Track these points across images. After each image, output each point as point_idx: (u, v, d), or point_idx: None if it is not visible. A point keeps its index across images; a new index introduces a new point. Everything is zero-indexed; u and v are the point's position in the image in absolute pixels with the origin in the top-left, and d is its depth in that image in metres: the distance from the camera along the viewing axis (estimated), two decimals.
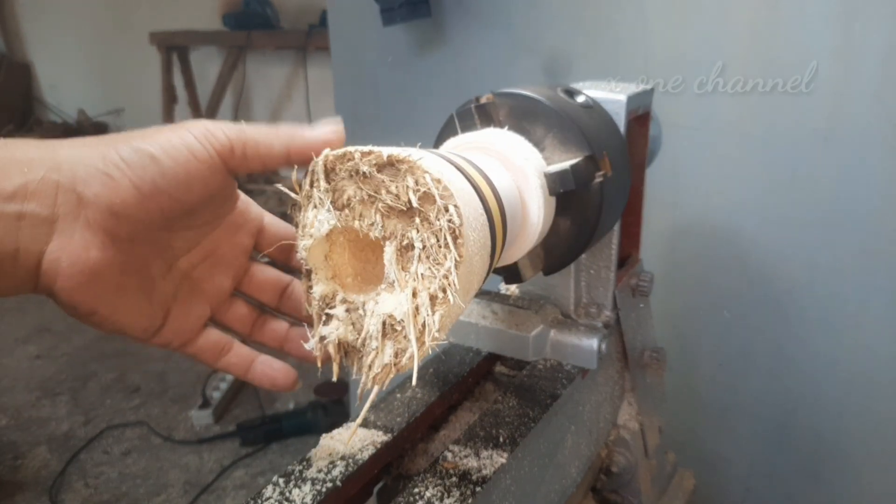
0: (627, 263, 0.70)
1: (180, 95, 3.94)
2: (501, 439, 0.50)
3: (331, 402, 2.09)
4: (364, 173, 0.35)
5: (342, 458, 0.47)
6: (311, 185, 0.38)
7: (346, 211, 0.37)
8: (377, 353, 0.35)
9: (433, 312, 0.33)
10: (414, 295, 0.34)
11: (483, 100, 0.51)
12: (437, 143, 0.52)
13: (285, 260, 0.46)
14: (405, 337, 0.34)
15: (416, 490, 0.45)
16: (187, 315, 0.43)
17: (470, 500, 0.44)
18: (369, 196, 0.36)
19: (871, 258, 0.93)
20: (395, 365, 0.35)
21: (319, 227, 0.38)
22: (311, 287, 0.40)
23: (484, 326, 0.61)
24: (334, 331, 0.38)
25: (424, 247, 0.34)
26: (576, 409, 0.62)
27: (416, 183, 0.34)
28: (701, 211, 1.06)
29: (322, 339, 0.39)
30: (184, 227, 0.41)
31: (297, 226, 0.40)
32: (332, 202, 0.37)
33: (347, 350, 0.39)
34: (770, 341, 1.05)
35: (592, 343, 0.59)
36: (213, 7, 3.79)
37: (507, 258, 0.49)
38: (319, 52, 3.51)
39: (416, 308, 0.33)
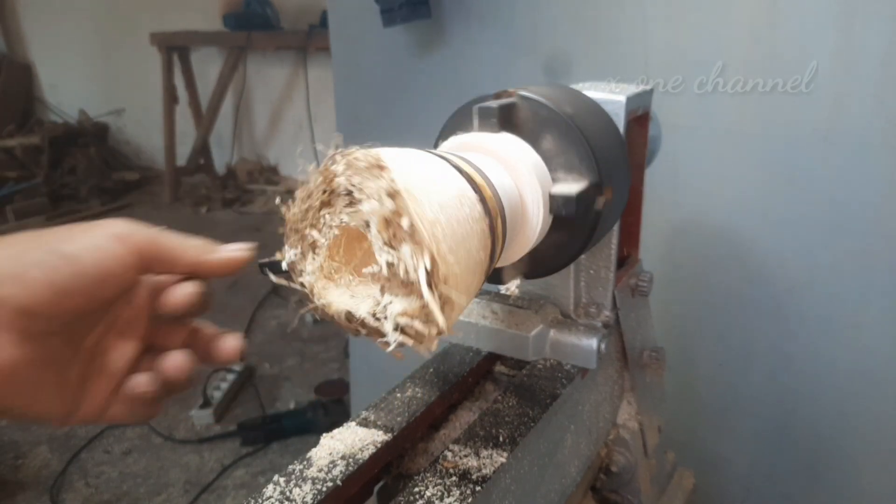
0: (627, 263, 0.70)
1: (181, 96, 3.95)
2: (501, 439, 0.50)
3: (331, 402, 2.09)
4: (308, 208, 0.39)
5: (343, 457, 0.47)
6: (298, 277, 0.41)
7: (321, 247, 0.40)
8: (415, 260, 0.36)
9: (408, 213, 0.36)
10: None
11: (504, 97, 0.49)
12: (439, 139, 0.52)
13: (200, 309, 0.42)
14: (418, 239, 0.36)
15: (417, 489, 0.45)
16: (99, 390, 0.41)
17: (470, 500, 0.44)
18: (326, 214, 0.39)
19: (871, 258, 0.93)
20: (447, 270, 0.36)
21: (311, 268, 0.41)
22: (363, 325, 0.40)
23: (484, 326, 0.61)
24: (401, 315, 0.38)
25: (361, 189, 0.37)
26: (575, 408, 0.62)
27: (344, 163, 0.37)
28: (700, 211, 1.06)
29: (397, 329, 0.38)
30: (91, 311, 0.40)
31: (323, 317, 0.41)
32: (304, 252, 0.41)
33: (421, 317, 0.38)
34: (770, 341, 1.05)
35: (592, 343, 0.59)
36: (213, 8, 3.80)
37: (521, 243, 0.49)
38: (319, 53, 3.52)
39: (397, 212, 0.36)
